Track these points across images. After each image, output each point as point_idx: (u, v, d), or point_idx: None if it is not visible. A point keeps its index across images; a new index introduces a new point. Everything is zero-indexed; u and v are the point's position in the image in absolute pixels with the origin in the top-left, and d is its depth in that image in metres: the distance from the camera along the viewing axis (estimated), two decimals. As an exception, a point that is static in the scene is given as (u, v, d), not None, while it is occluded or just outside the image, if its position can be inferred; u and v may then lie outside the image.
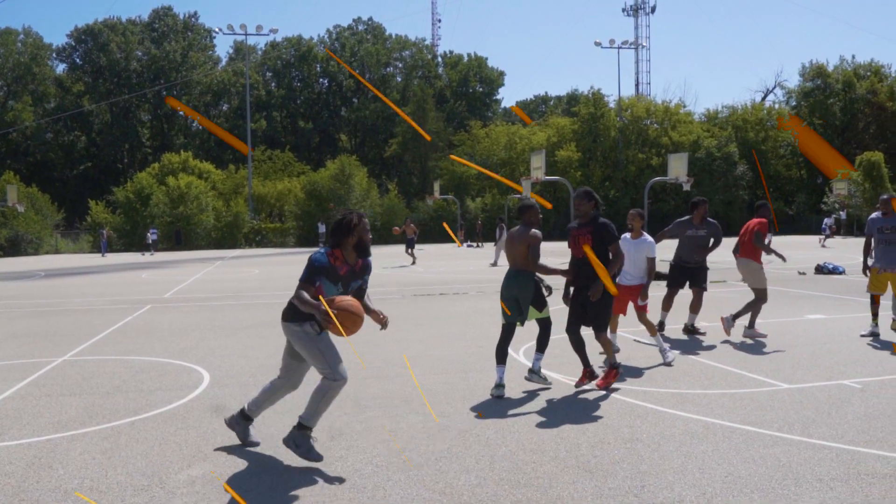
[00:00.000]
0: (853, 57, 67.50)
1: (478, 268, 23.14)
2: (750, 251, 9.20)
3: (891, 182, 48.63)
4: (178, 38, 76.89)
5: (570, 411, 5.80)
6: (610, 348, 6.63)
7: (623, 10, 73.80)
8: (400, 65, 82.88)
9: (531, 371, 6.62)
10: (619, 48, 57.99)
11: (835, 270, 18.45)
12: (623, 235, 7.94)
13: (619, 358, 7.74)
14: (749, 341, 8.87)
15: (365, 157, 70.07)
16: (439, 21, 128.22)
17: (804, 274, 18.50)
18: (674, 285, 9.47)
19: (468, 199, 54.52)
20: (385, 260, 27.20)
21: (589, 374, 6.55)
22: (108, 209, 48.35)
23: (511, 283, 6.45)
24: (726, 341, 8.86)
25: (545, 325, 6.59)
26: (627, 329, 9.40)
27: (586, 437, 5.10)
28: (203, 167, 54.49)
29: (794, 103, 65.77)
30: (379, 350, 8.55)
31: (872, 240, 9.31)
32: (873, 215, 9.36)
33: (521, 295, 6.41)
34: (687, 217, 9.47)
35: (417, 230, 26.69)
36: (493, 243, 44.80)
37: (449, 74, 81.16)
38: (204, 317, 11.94)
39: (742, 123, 62.67)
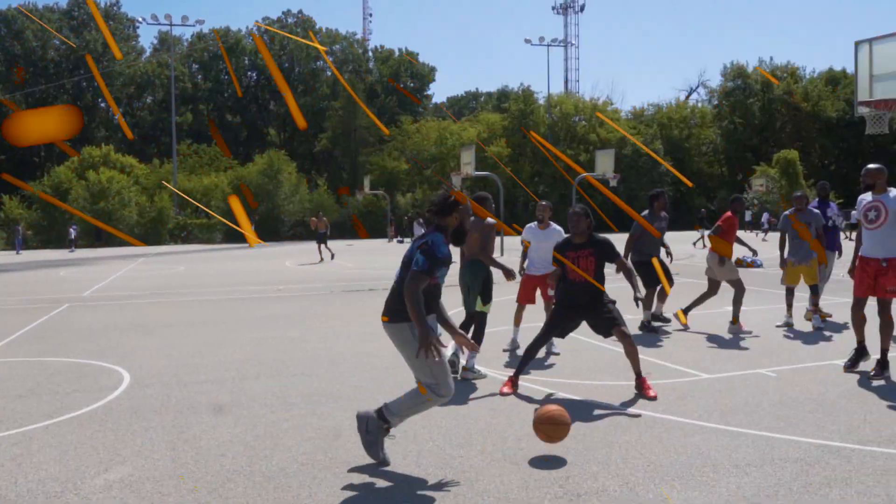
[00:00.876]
0: (771, 59, 70.16)
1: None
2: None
3: (805, 179, 50.72)
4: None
5: (497, 405, 5.84)
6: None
7: (553, 8, 74.98)
8: (330, 59, 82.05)
9: (465, 369, 6.68)
10: (548, 46, 58.87)
11: (753, 263, 19.11)
12: (528, 225, 8.14)
13: (545, 352, 7.85)
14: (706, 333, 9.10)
15: (294, 151, 69.08)
16: (370, 15, 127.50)
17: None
18: (653, 282, 9.29)
19: (398, 195, 54.44)
20: (305, 256, 26.89)
21: (513, 383, 6.28)
22: (24, 204, 46.42)
23: (464, 272, 6.79)
24: (670, 333, 9.05)
25: (481, 320, 6.78)
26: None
27: (513, 430, 5.14)
28: (126, 161, 52.86)
29: (715, 102, 67.86)
30: (307, 347, 8.45)
31: (787, 235, 9.67)
32: (787, 211, 9.73)
33: (472, 283, 6.74)
34: (647, 211, 9.52)
35: (328, 224, 26.50)
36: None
37: (380, 69, 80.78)
38: (125, 316, 11.58)
39: (667, 121, 64.40)
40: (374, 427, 4.43)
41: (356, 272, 19.77)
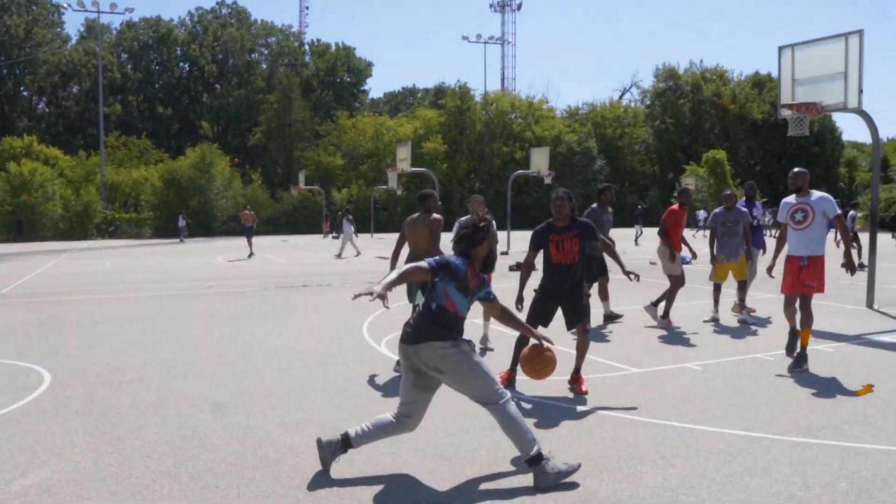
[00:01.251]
0: (701, 61, 72.26)
1: (344, 259, 22.93)
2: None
3: (732, 178, 52.28)
4: (21, 11, 71.30)
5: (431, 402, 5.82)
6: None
7: (490, 5, 75.39)
8: (265, 51, 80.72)
9: None
10: (485, 43, 59.10)
11: (683, 260, 19.58)
12: (460, 219, 8.07)
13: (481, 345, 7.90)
14: (655, 326, 9.28)
15: (227, 145, 67.75)
16: (307, 8, 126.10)
17: (655, 264, 19.53)
18: (598, 277, 9.47)
19: (334, 190, 53.94)
20: (237, 252, 26.41)
21: (510, 378, 6.28)
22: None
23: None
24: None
25: None
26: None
27: (446, 426, 5.14)
28: (49, 153, 50.95)
29: (647, 102, 69.35)
30: (237, 344, 8.29)
31: (717, 232, 9.94)
32: (717, 210, 10.00)
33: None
34: (595, 205, 9.49)
35: (255, 219, 26.03)
36: (368, 234, 44.57)
37: (316, 63, 79.85)
38: (47, 313, 11.16)
39: (601, 120, 65.54)
40: (545, 471, 4.02)
41: (290, 268, 19.51)
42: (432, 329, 4.14)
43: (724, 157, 51.70)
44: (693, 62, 79.67)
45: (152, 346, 8.23)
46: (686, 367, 6.97)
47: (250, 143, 70.60)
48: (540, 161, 27.56)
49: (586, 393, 6.02)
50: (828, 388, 6.18)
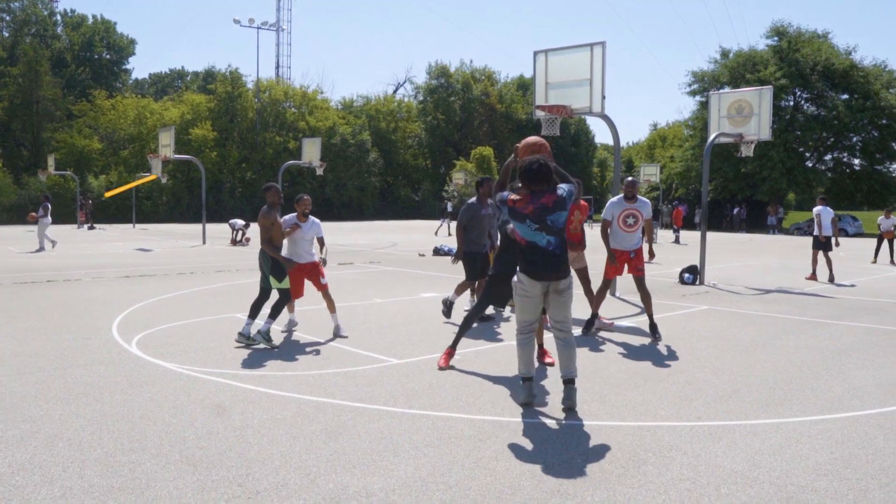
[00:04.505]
0: (471, 61, 75.44)
1: (100, 251, 21.15)
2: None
3: (498, 174, 55.16)
4: None
5: (178, 400, 5.49)
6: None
7: (264, -10, 73.12)
8: (7, 17, 72.22)
9: (259, 333, 7.53)
10: (258, 28, 57.44)
11: (450, 252, 20.32)
12: (287, 217, 8.17)
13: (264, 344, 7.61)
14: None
15: (-39, 122, 59.86)
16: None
17: (423, 255, 20.09)
18: (476, 276, 9.03)
19: (91, 177, 49.61)
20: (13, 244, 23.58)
21: (450, 355, 6.88)
22: None
23: (259, 256, 7.81)
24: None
25: (283, 295, 7.72)
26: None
27: (194, 429, 4.86)
28: None
29: (421, 98, 71.17)
30: (-43, 348, 7.31)
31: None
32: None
33: (264, 265, 7.76)
34: (473, 199, 9.10)
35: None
36: (130, 224, 41.42)
37: (70, 36, 72.81)
38: None
39: (375, 113, 66.22)
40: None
41: (36, 261, 17.61)
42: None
43: (492, 154, 54.38)
44: (464, 62, 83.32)
45: None
46: (445, 357, 7.18)
47: (-11, 120, 62.85)
48: (311, 152, 27.24)
49: (552, 365, 6.85)
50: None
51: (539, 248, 5.35)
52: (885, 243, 19.81)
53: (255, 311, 7.72)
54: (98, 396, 5.64)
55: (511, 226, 5.51)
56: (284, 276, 7.68)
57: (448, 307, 9.19)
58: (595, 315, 8.71)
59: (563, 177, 5.62)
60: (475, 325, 8.56)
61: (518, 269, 5.49)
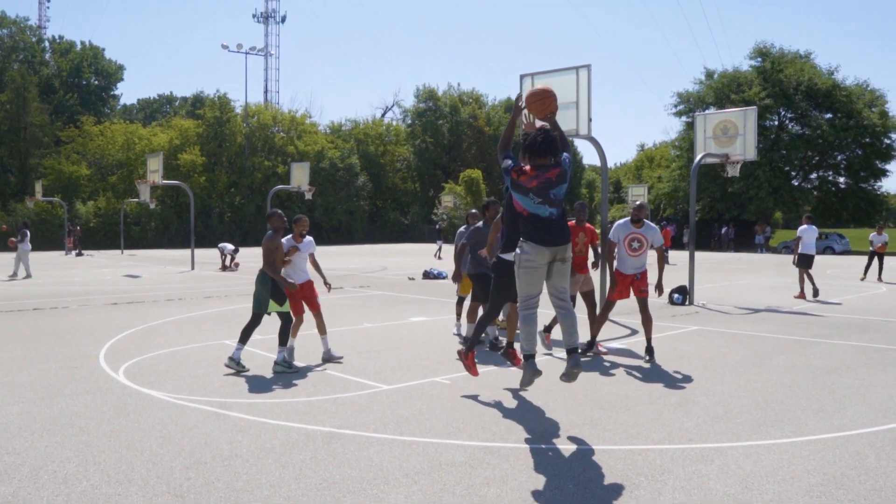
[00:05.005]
0: (459, 84, 75.86)
1: (88, 278, 21.01)
2: None
3: (487, 196, 55.31)
4: None
5: (166, 430, 5.43)
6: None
7: (253, 16, 73.54)
8: (-7, 44, 72.10)
9: (277, 364, 7.59)
10: (246, 53, 57.70)
11: (439, 276, 20.30)
12: (283, 240, 8.06)
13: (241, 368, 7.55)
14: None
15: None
16: (48, 1, 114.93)
17: (413, 279, 20.06)
18: (484, 297, 8.61)
19: (78, 203, 49.40)
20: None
21: (472, 358, 6.88)
22: None
23: (257, 280, 7.71)
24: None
25: (286, 319, 7.74)
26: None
27: (182, 459, 4.79)
28: None
29: (409, 122, 71.47)
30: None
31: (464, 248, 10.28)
32: (461, 228, 10.15)
33: (262, 290, 7.63)
34: (480, 223, 9.13)
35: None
36: (118, 250, 41.20)
37: (58, 62, 72.81)
38: None
39: (364, 137, 66.43)
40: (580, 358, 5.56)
41: (19, 289, 17.47)
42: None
43: (480, 177, 54.54)
44: (452, 85, 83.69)
45: None
46: (434, 382, 7.14)
47: (-25, 147, 62.53)
48: (300, 176, 27.26)
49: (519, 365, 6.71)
50: (562, 394, 6.62)
51: (542, 219, 5.43)
52: (875, 261, 19.94)
53: (245, 336, 7.67)
54: (84, 427, 5.57)
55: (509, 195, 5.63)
56: (285, 299, 7.73)
57: (470, 342, 8.19)
58: (594, 339, 8.72)
59: (565, 143, 5.76)
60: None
61: (521, 239, 5.51)
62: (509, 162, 5.67)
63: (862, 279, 19.86)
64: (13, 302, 14.43)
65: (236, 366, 7.54)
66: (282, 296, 7.68)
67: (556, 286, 5.55)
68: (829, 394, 6.70)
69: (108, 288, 17.66)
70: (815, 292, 15.09)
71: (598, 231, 9.88)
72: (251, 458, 4.80)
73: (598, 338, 9.02)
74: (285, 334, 7.68)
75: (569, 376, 5.50)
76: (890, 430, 5.54)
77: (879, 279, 19.60)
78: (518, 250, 5.53)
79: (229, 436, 5.32)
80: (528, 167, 5.50)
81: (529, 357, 5.66)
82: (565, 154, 5.62)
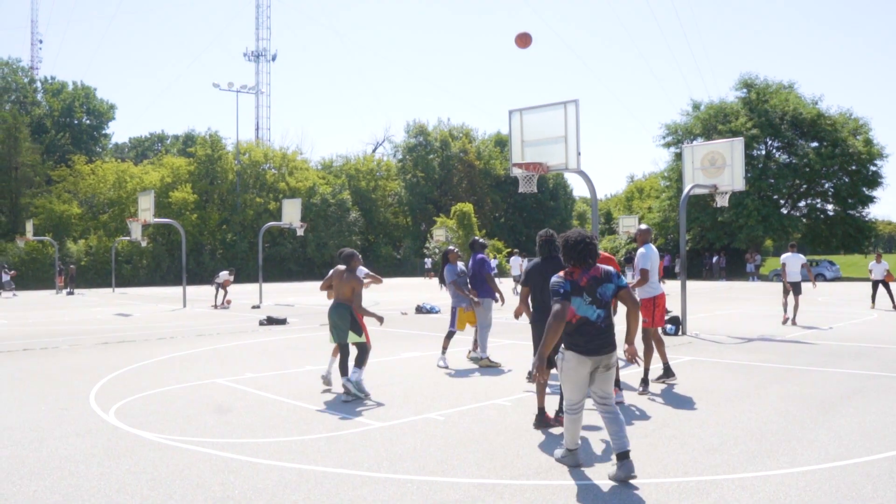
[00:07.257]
0: (448, 119, 76.50)
1: (79, 317, 20.87)
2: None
3: (479, 229, 55.48)
4: None
5: (157, 472, 5.36)
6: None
7: (244, 54, 73.96)
8: (-12, 85, 72.35)
9: (347, 380, 8.01)
10: (237, 92, 57.96)
11: (432, 311, 20.25)
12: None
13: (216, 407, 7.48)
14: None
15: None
16: (40, 42, 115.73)
17: (406, 314, 20.01)
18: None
19: (69, 241, 49.27)
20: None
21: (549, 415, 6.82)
22: None
23: (332, 312, 8.25)
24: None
25: (362, 349, 8.25)
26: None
27: (173, 502, 4.73)
28: None
29: (400, 157, 71.89)
30: (-71, 424, 7.12)
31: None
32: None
33: (340, 323, 8.18)
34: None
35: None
36: (109, 289, 40.98)
37: (50, 102, 73.11)
38: None
39: (355, 172, 66.75)
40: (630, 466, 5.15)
41: (12, 330, 17.33)
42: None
43: (472, 210, 54.70)
44: (441, 120, 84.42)
45: None
46: (428, 418, 7.09)
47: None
48: (292, 213, 27.30)
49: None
50: (556, 429, 6.58)
51: (590, 323, 5.25)
52: (882, 289, 19.95)
53: (345, 368, 8.30)
54: (73, 470, 5.50)
55: (558, 307, 5.17)
56: (362, 331, 8.28)
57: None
58: (666, 364, 8.94)
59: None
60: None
61: (563, 346, 5.36)
62: (558, 275, 5.41)
63: (871, 307, 19.94)
64: (2, 343, 14.30)
65: (360, 392, 7.99)
66: (360, 328, 8.25)
67: (600, 391, 5.37)
68: (824, 423, 6.69)
69: (99, 327, 17.54)
70: (793, 321, 15.43)
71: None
72: (243, 500, 4.75)
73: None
74: (362, 359, 8.19)
75: (618, 481, 5.12)
76: (886, 458, 5.52)
77: (894, 307, 19.49)
78: (560, 355, 5.40)
79: (221, 477, 5.26)
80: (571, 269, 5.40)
81: (572, 451, 5.56)
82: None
